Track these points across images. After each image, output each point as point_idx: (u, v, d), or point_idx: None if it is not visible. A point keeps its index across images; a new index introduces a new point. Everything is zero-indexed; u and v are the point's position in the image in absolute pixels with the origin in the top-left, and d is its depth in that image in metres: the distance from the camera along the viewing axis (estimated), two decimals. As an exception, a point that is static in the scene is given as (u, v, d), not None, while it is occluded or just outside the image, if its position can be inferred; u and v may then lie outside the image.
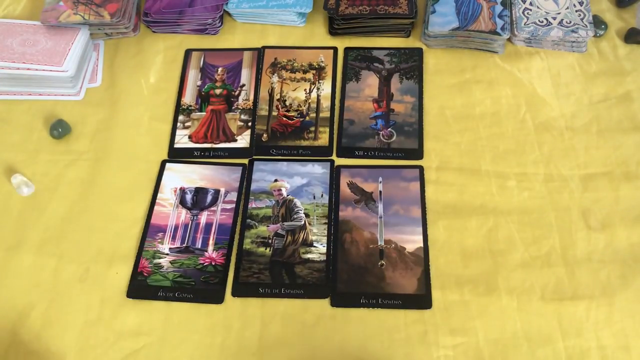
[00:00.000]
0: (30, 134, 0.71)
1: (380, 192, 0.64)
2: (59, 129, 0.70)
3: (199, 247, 0.63)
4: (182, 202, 0.65)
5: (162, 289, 0.60)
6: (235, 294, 0.59)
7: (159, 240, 0.63)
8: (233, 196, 0.65)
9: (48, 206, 0.66)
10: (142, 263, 0.62)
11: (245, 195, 0.65)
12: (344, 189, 0.65)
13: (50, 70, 0.71)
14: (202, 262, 0.62)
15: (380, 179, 0.65)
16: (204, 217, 0.64)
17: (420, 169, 0.65)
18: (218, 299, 0.59)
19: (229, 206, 0.65)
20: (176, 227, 0.64)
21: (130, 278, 0.61)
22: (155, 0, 0.77)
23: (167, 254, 0.62)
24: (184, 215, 0.65)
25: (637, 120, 0.68)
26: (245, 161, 0.68)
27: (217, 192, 0.66)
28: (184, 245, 0.63)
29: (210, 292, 0.60)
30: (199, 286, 0.60)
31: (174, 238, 0.63)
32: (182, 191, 0.66)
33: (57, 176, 0.68)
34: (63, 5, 0.76)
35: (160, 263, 0.62)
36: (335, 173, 0.66)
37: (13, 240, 0.64)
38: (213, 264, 0.61)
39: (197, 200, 0.65)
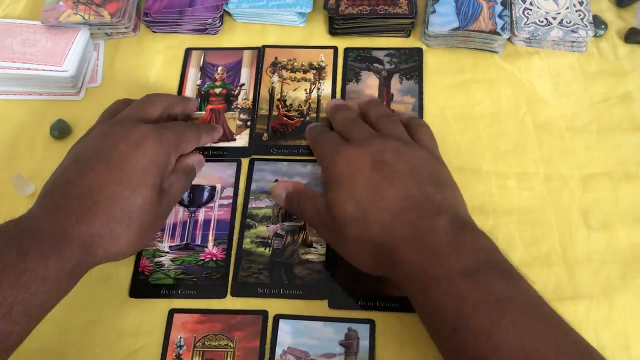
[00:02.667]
0: (30, 134, 0.71)
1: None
2: (59, 129, 0.70)
3: (199, 243, 0.63)
4: (179, 200, 0.65)
5: (165, 286, 0.60)
6: (234, 293, 0.60)
7: (158, 238, 0.63)
8: (230, 192, 0.66)
9: (48, 206, 0.66)
10: (143, 262, 0.62)
11: (245, 195, 0.65)
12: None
13: (50, 70, 0.71)
14: (202, 258, 0.62)
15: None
16: (201, 214, 0.65)
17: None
18: (221, 293, 0.60)
19: (226, 202, 0.65)
20: (175, 225, 0.64)
21: (131, 277, 0.61)
22: (155, 0, 0.77)
23: (168, 252, 0.62)
24: (181, 212, 0.65)
25: (637, 120, 0.68)
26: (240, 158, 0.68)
27: (213, 188, 0.66)
28: (183, 242, 0.63)
29: (213, 287, 0.60)
30: (201, 282, 0.60)
31: (173, 236, 0.63)
32: (179, 189, 0.66)
33: (57, 176, 0.68)
34: (63, 5, 0.76)
35: (161, 261, 0.62)
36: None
37: (13, 240, 0.64)
38: (214, 259, 0.62)
39: (193, 197, 0.65)
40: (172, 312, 0.59)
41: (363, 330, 0.56)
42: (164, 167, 0.54)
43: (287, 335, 0.57)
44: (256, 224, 0.63)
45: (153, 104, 0.59)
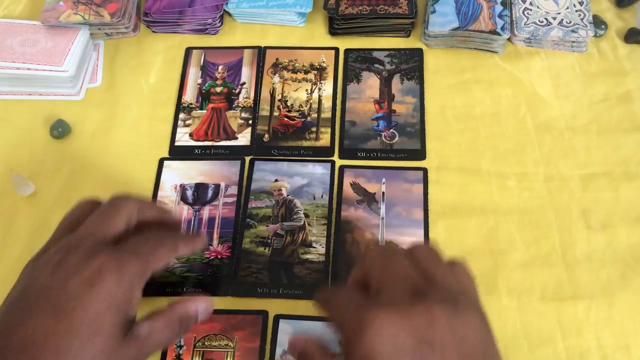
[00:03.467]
0: (30, 134, 0.71)
1: (383, 193, 0.64)
2: (59, 129, 0.70)
3: None
4: (183, 198, 0.65)
5: (170, 284, 0.60)
6: (233, 293, 0.60)
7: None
8: (234, 189, 0.66)
9: (48, 206, 0.66)
10: None
11: (245, 195, 0.65)
12: (347, 189, 0.65)
13: (50, 70, 0.71)
14: (207, 256, 0.62)
15: (383, 180, 0.65)
16: (206, 212, 0.65)
17: (425, 171, 0.65)
18: (226, 291, 0.60)
19: (230, 200, 0.65)
20: (179, 224, 0.64)
21: (135, 277, 0.61)
22: (155, 0, 0.77)
23: None
24: (185, 211, 0.65)
25: (637, 120, 0.68)
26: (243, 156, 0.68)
27: (217, 186, 0.66)
28: None
29: (218, 285, 0.60)
30: (206, 280, 0.60)
31: (177, 234, 0.63)
32: (183, 188, 0.66)
33: (57, 176, 0.68)
34: (63, 5, 0.76)
35: None
36: (338, 173, 0.66)
37: (13, 240, 0.64)
38: (219, 257, 0.62)
39: (198, 195, 0.66)
40: None
41: None
42: (125, 307, 0.44)
43: (287, 335, 0.57)
44: (256, 223, 0.64)
45: (117, 213, 0.48)
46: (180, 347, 0.57)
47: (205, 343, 0.57)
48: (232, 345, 0.56)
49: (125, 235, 0.47)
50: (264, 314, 0.58)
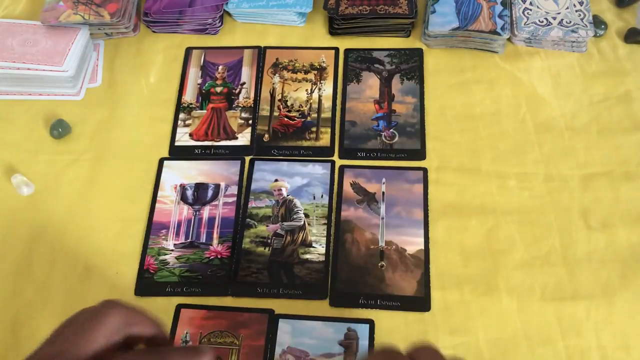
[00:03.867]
0: (30, 134, 0.71)
1: (383, 193, 0.64)
2: (59, 129, 0.70)
3: (204, 241, 0.63)
4: (183, 198, 0.66)
5: (170, 284, 0.60)
6: (233, 293, 0.60)
7: (163, 237, 0.63)
8: (234, 189, 0.66)
9: (48, 206, 0.66)
10: (148, 260, 0.62)
11: (245, 195, 0.65)
12: (347, 188, 0.65)
13: (50, 70, 0.71)
14: (207, 255, 0.62)
15: (383, 179, 0.65)
16: (206, 212, 0.65)
17: (425, 170, 0.65)
18: (225, 291, 0.60)
19: (230, 200, 0.65)
20: (179, 223, 0.64)
21: (137, 276, 0.61)
22: (155, 0, 0.77)
23: (172, 250, 0.63)
24: (186, 211, 0.65)
25: (637, 120, 0.68)
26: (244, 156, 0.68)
27: (217, 186, 0.66)
28: (188, 240, 0.63)
29: (218, 284, 0.60)
30: (206, 280, 0.61)
31: (177, 234, 0.64)
32: (183, 188, 0.66)
33: (57, 176, 0.68)
34: (63, 5, 0.76)
35: (166, 259, 0.62)
36: (338, 173, 0.66)
37: (13, 240, 0.64)
38: (219, 257, 0.62)
39: (198, 195, 0.66)
40: (179, 307, 0.59)
41: (363, 330, 0.56)
42: None
43: (286, 334, 0.57)
44: (256, 223, 0.64)
45: (98, 327, 0.39)
46: (186, 342, 0.57)
47: (211, 340, 0.57)
48: (237, 343, 0.56)
49: (111, 350, 0.39)
50: (270, 312, 0.58)
